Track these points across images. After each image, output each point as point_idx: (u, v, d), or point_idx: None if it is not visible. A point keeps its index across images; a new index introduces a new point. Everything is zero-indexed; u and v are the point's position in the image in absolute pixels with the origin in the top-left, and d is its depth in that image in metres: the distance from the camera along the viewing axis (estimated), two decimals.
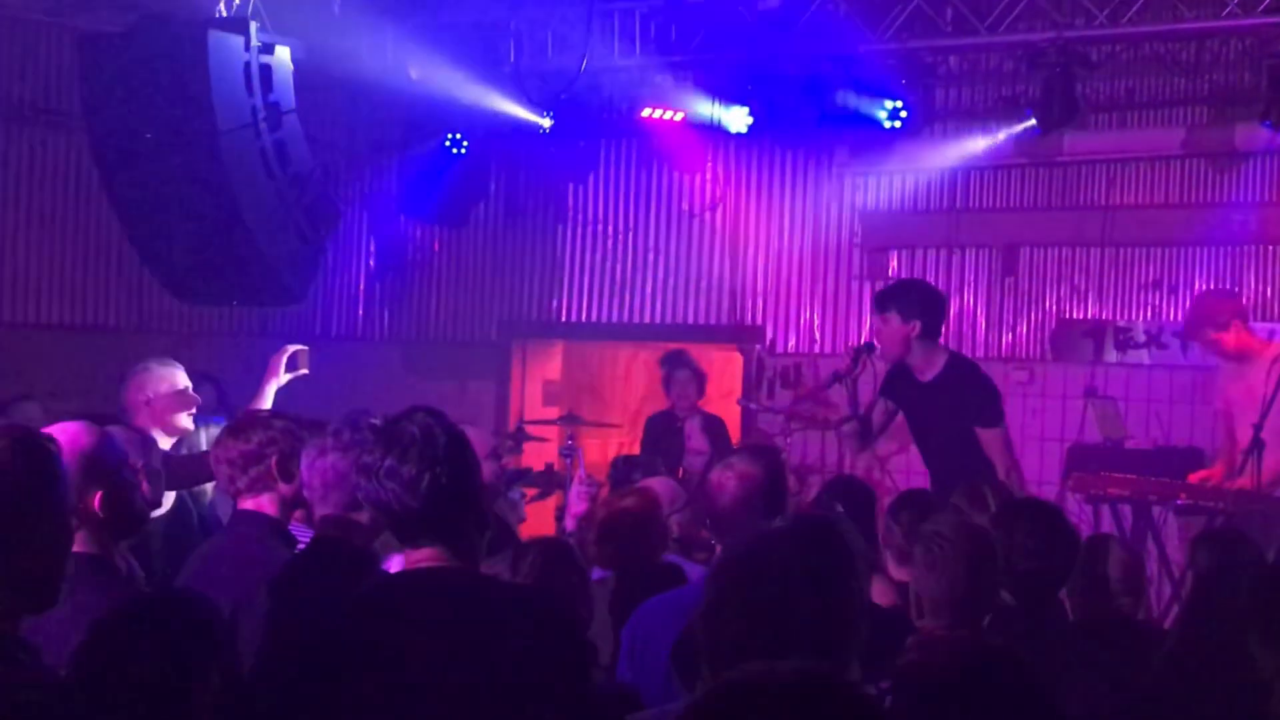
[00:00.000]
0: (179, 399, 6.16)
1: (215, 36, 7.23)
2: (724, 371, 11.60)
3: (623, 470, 9.63)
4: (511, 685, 3.00)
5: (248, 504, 4.40)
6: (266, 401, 6.34)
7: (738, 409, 10.86)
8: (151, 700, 2.69)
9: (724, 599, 2.61)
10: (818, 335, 10.85)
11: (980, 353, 10.03)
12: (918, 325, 6.87)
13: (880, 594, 4.61)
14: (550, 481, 9.26)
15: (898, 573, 4.81)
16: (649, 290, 11.52)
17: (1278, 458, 7.38)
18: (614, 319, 11.64)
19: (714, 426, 9.88)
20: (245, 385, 6.74)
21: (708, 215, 11.22)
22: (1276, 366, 7.49)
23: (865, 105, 9.19)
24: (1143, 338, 9.54)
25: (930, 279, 10.21)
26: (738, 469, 4.47)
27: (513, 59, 9.24)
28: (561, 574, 4.19)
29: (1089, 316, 9.82)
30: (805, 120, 9.34)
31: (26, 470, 2.38)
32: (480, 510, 3.23)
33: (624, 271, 11.61)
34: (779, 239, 11.00)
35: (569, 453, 8.93)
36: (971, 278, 10.27)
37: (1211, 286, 9.33)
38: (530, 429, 10.45)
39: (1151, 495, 7.94)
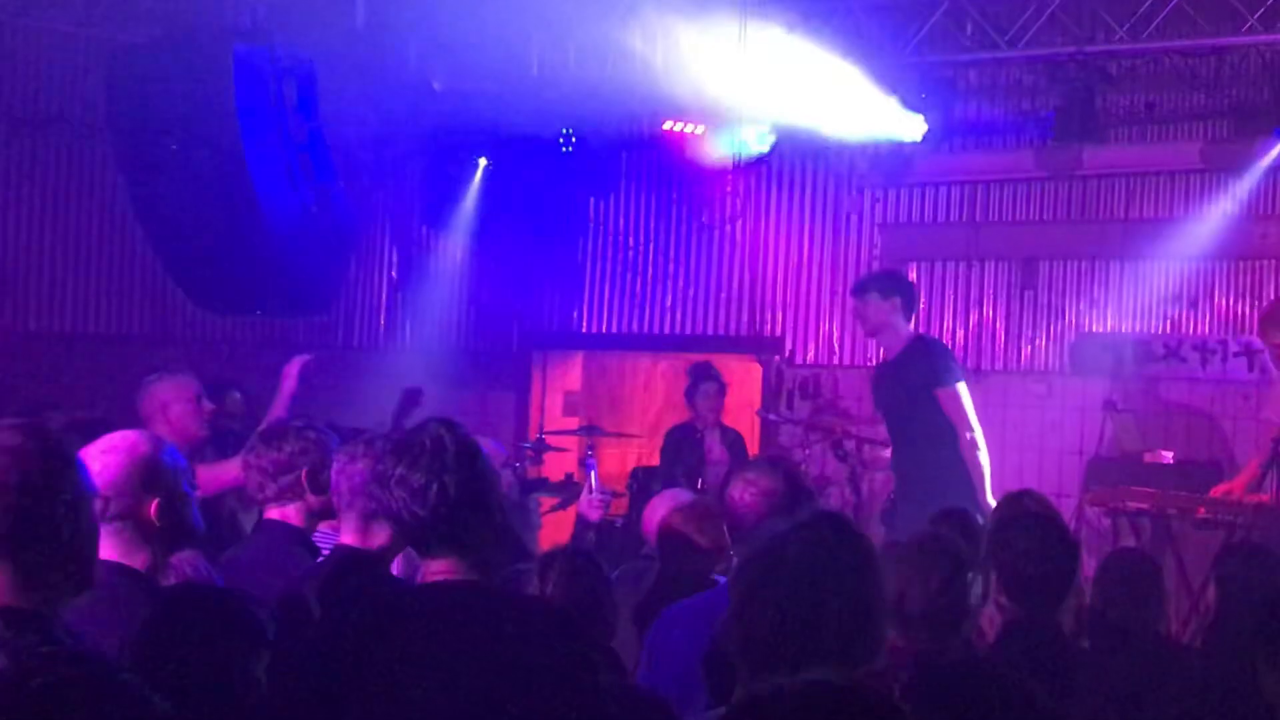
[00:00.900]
0: (193, 408, 6.15)
1: (241, 49, 7.27)
2: (743, 382, 11.62)
3: (642, 481, 9.69)
4: (517, 701, 2.99)
5: (273, 513, 4.41)
6: (282, 412, 6.35)
7: (757, 419, 10.90)
8: (198, 689, 2.72)
9: (750, 595, 2.64)
10: (837, 347, 10.87)
11: (999, 365, 10.05)
12: (898, 300, 7.33)
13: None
14: (569, 491, 9.29)
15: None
16: (669, 301, 11.56)
17: None
18: (634, 330, 11.69)
19: (733, 440, 9.93)
20: (268, 397, 6.76)
21: (728, 228, 11.26)
22: None
23: (885, 119, 9.23)
24: (1161, 351, 9.53)
25: (949, 292, 10.27)
26: (758, 484, 4.45)
27: (535, 72, 9.28)
28: (586, 585, 4.21)
29: (1108, 330, 9.83)
30: (825, 133, 9.38)
31: (40, 453, 2.42)
32: (496, 521, 3.21)
33: (644, 283, 11.65)
34: (799, 251, 11.03)
35: (588, 465, 8.95)
36: (990, 291, 10.28)
37: (1231, 300, 9.35)
38: (550, 439, 10.48)
39: (1171, 509, 7.94)
